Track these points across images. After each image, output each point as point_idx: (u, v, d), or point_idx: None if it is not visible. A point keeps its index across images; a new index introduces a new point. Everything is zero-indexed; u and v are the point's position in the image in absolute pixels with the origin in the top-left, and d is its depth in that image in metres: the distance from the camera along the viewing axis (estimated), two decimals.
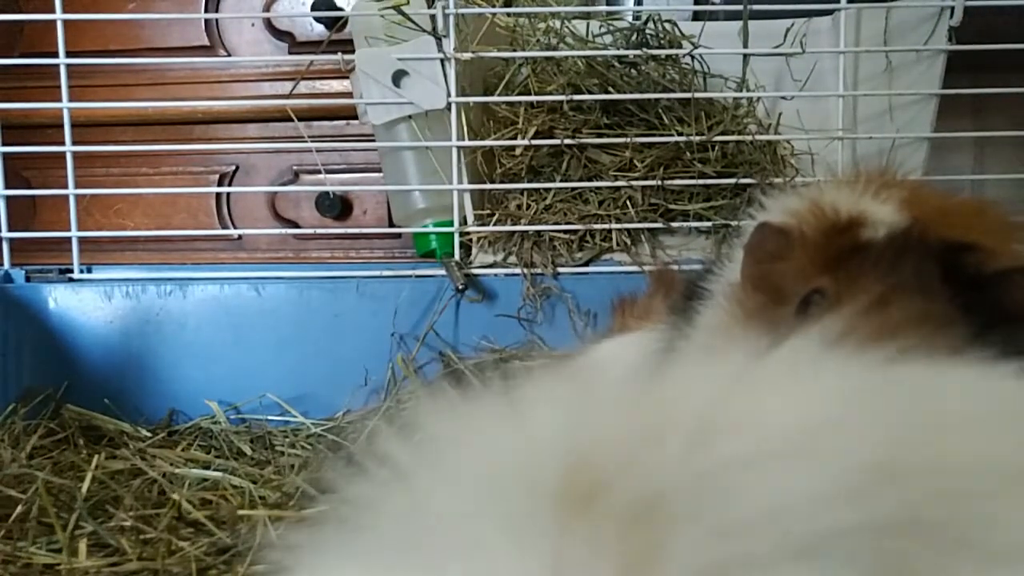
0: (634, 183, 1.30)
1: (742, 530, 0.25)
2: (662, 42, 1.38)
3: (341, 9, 1.58)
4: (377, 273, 1.33)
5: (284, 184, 1.75)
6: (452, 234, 1.33)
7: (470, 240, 1.34)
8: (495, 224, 1.33)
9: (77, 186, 1.35)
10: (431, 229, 1.38)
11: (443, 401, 0.31)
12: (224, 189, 1.76)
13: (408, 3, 1.27)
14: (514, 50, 1.37)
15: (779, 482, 0.26)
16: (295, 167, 1.75)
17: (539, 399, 0.30)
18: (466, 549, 0.26)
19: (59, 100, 1.33)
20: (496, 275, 1.32)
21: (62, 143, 1.33)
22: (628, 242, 1.31)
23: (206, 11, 1.73)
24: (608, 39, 1.43)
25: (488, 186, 1.33)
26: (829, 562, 0.25)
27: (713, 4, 1.63)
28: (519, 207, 1.33)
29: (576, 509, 0.26)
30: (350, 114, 1.61)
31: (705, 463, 0.26)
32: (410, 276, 1.31)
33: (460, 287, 1.27)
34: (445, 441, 0.30)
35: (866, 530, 0.25)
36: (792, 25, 1.43)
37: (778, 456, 0.27)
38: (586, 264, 1.32)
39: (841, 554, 0.25)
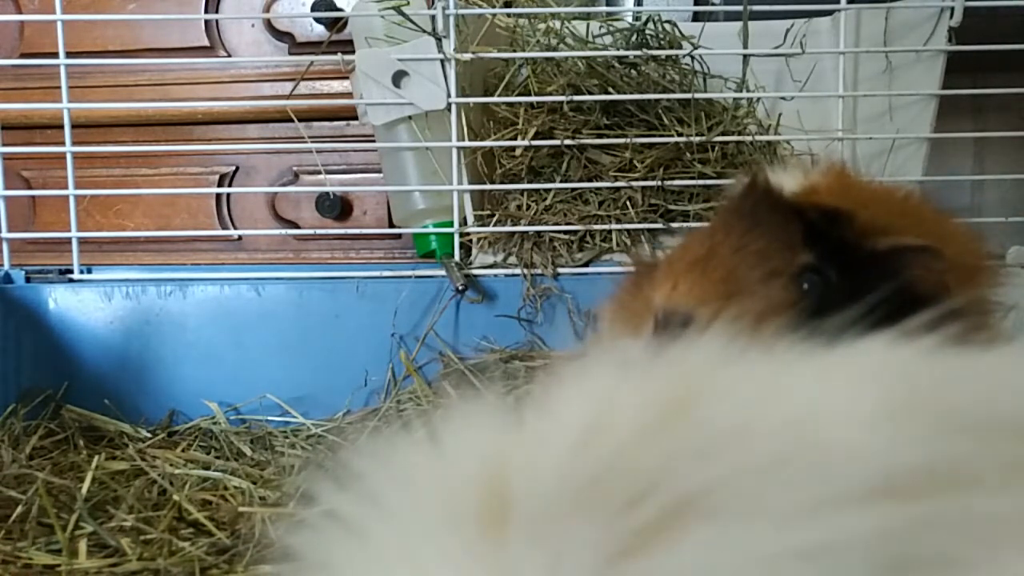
0: (634, 184, 1.30)
1: (624, 524, 0.29)
2: (662, 43, 1.38)
3: (341, 9, 1.58)
4: (377, 273, 1.33)
5: (284, 185, 1.75)
6: (452, 235, 1.33)
7: (470, 240, 1.34)
8: (495, 225, 1.33)
9: (77, 187, 1.35)
10: (431, 230, 1.38)
11: (375, 446, 0.36)
12: (224, 190, 1.75)
13: (408, 3, 1.27)
14: (514, 51, 1.37)
15: (642, 475, 0.30)
16: (295, 168, 1.75)
17: (457, 430, 0.35)
18: (407, 569, 0.31)
19: (59, 100, 1.33)
20: (496, 276, 1.32)
21: (62, 143, 1.33)
22: (628, 243, 1.31)
23: (206, 11, 1.73)
24: (608, 40, 1.43)
25: (488, 186, 1.33)
26: (679, 549, 0.28)
27: (713, 5, 1.64)
28: (519, 207, 1.33)
29: (494, 526, 0.30)
30: (350, 115, 1.61)
31: (580, 472, 0.31)
32: (410, 277, 1.31)
33: (460, 288, 1.27)
34: (379, 481, 0.34)
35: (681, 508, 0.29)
36: (792, 25, 1.43)
37: (639, 456, 0.31)
38: (586, 264, 1.32)
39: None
